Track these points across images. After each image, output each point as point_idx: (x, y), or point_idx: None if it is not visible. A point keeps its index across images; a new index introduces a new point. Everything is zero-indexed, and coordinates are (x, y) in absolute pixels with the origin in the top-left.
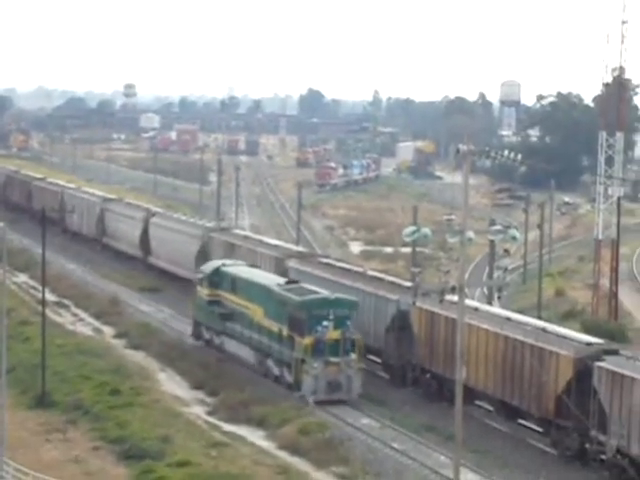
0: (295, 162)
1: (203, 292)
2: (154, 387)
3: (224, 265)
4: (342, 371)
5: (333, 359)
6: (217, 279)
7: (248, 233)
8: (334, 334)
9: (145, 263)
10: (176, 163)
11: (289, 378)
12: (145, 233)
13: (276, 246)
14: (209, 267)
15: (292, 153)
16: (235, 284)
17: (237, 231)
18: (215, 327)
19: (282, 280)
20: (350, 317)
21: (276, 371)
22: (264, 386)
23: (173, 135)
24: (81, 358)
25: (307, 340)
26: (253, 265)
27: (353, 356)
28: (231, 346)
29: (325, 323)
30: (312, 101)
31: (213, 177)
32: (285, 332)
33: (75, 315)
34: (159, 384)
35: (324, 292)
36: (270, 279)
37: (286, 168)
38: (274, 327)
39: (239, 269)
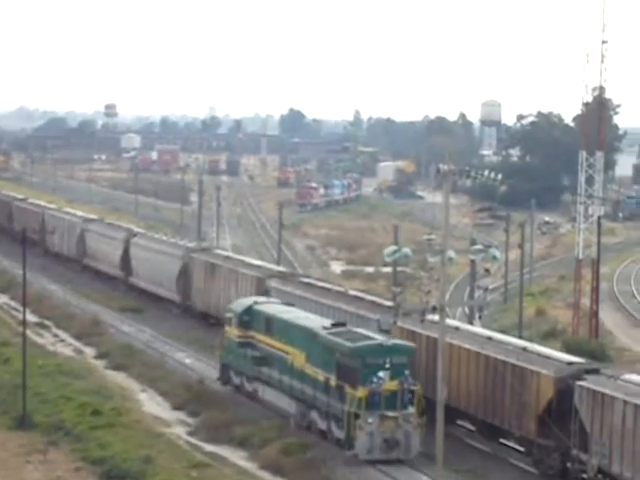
0: (276, 182)
1: (232, 332)
2: (135, 408)
3: (256, 303)
4: (400, 427)
5: (390, 413)
6: (249, 318)
7: (229, 253)
8: (391, 385)
9: (126, 283)
10: (157, 183)
11: (338, 434)
12: (126, 253)
13: (257, 266)
14: (239, 305)
15: (273, 173)
16: (271, 325)
17: (218, 251)
18: (247, 372)
19: (327, 322)
20: (408, 365)
21: (322, 425)
22: (246, 407)
23: (154, 155)
24: (62, 379)
25: (361, 392)
26: (288, 303)
27: (412, 410)
28: (267, 394)
29: (381, 373)
30: (293, 121)
31: (194, 197)
32: (333, 382)
33: (56, 336)
34: (140, 404)
35: (377, 337)
36: (312, 320)
37: (267, 188)
38: (319, 375)
39: (274, 308)
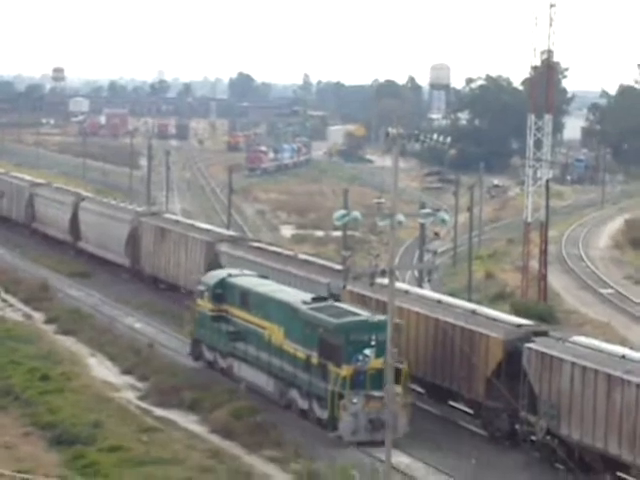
0: (226, 146)
1: (205, 306)
2: (84, 372)
3: (230, 276)
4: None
5: (376, 393)
6: (222, 291)
7: (179, 217)
8: (377, 363)
9: (75, 248)
10: (105, 147)
11: (320, 414)
12: (75, 218)
13: (207, 230)
14: (212, 278)
15: (223, 137)
16: (246, 298)
17: (168, 216)
18: (221, 347)
19: (307, 296)
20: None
21: (302, 404)
22: (196, 371)
23: (102, 119)
24: (11, 344)
25: (345, 370)
26: (263, 276)
27: (398, 389)
28: (243, 371)
29: (366, 351)
30: (242, 85)
31: (143, 161)
32: (315, 359)
33: (4, 301)
34: (89, 369)
35: (362, 312)
36: (291, 294)
37: (217, 152)
38: (300, 353)
39: (249, 280)
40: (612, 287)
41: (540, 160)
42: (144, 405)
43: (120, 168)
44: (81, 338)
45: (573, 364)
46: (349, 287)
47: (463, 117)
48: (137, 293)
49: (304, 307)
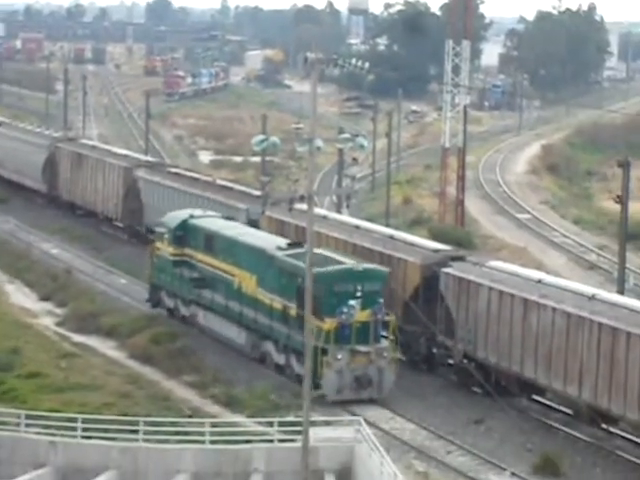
0: (143, 71)
1: (165, 249)
2: (2, 299)
3: (193, 217)
4: (372, 363)
5: (362, 348)
6: (184, 234)
7: (96, 143)
8: (363, 316)
9: None
10: (21, 72)
11: (299, 370)
12: None
13: (125, 156)
14: (173, 219)
15: (140, 62)
16: (211, 242)
17: (85, 141)
18: (184, 294)
19: (281, 241)
20: (381, 293)
21: (279, 359)
22: (113, 297)
23: (18, 44)
24: None
25: (328, 324)
26: (229, 217)
27: (385, 343)
28: (209, 321)
29: (351, 302)
30: (159, 9)
31: (59, 86)
32: (293, 311)
33: None
34: (7, 296)
35: (345, 260)
36: (262, 238)
37: (134, 77)
38: (276, 303)
39: (215, 222)
40: (529, 212)
41: (458, 86)
42: (62, 331)
43: (36, 93)
44: None
45: (490, 288)
46: (268, 213)
47: (382, 42)
48: (54, 219)
49: (280, 254)
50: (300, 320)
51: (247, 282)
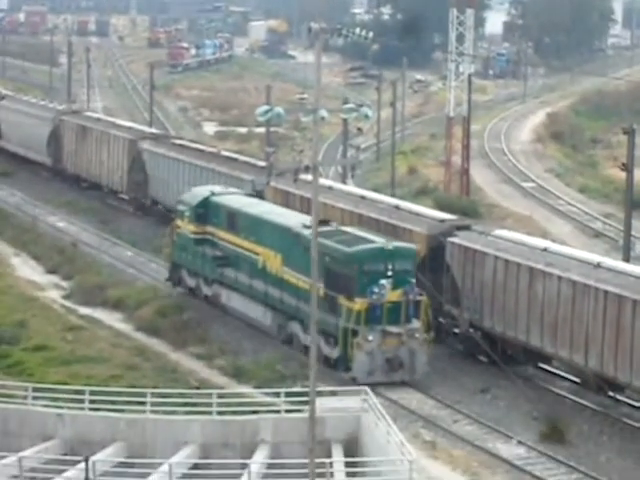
0: (146, 43)
1: (186, 227)
2: (8, 272)
3: (214, 194)
4: (404, 344)
5: (393, 329)
6: (205, 211)
7: (100, 115)
8: (394, 295)
9: None
10: (25, 45)
11: (329, 352)
12: None
13: (129, 128)
14: (194, 197)
15: (143, 34)
16: (234, 220)
17: (89, 114)
18: (206, 273)
19: (307, 219)
20: (412, 272)
21: (306, 340)
22: (119, 269)
23: (21, 17)
24: None
25: (359, 304)
26: (250, 194)
27: (417, 324)
28: (233, 301)
29: (382, 281)
30: None
31: (63, 59)
32: (322, 291)
33: None
34: (13, 269)
35: (375, 238)
36: (286, 216)
37: (137, 49)
38: (302, 283)
39: (238, 200)
40: (534, 181)
41: (462, 54)
42: (69, 304)
43: (40, 66)
44: (4, 237)
45: (496, 257)
46: (273, 183)
47: (385, 12)
48: (59, 192)
49: (306, 232)
50: (329, 301)
51: (272, 261)
